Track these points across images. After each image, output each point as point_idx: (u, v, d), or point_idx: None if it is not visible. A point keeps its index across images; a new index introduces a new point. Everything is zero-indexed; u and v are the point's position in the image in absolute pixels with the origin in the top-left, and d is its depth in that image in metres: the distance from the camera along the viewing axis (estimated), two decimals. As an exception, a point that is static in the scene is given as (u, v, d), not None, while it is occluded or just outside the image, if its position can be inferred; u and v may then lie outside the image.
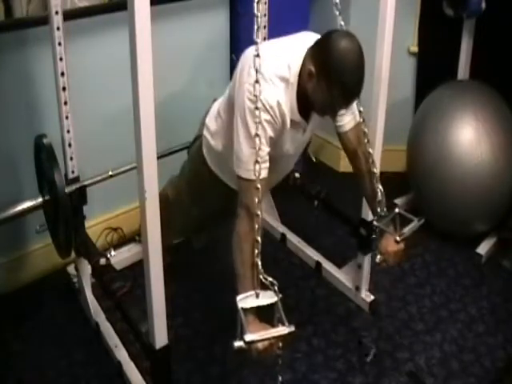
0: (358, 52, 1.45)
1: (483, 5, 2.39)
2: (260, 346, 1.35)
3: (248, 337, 1.30)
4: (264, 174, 1.46)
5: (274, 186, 1.95)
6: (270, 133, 1.52)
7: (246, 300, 1.38)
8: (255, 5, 1.34)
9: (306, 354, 2.05)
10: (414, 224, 1.73)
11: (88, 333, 2.09)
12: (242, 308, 1.35)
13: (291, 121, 1.57)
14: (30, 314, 2.18)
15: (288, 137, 1.61)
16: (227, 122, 1.69)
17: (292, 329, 1.32)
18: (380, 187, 1.75)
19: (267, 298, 1.37)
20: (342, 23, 1.63)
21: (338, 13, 1.62)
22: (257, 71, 1.36)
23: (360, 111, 1.71)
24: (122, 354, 1.95)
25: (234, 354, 1.32)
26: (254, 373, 1.96)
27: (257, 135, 1.39)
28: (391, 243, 1.71)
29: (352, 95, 1.51)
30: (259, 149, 1.40)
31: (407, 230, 1.70)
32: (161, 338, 1.52)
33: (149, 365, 1.64)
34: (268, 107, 1.48)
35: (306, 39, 1.59)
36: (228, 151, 1.64)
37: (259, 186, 1.40)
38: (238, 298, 1.38)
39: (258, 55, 1.35)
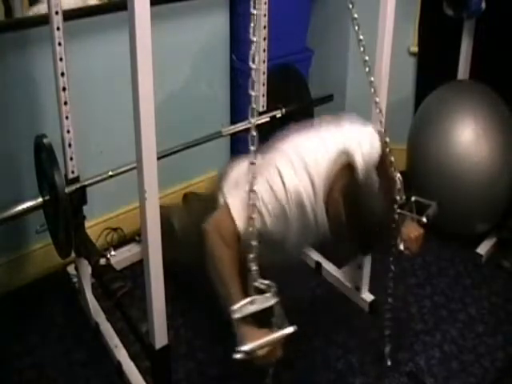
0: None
1: (483, 5, 2.39)
2: (261, 352, 1.33)
3: (244, 347, 1.29)
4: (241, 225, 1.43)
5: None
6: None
7: (241, 309, 1.35)
8: (252, 2, 1.32)
9: (306, 354, 2.05)
10: (434, 207, 1.74)
11: (88, 333, 2.09)
12: (237, 318, 1.33)
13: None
14: (30, 313, 2.18)
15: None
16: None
17: (291, 330, 1.32)
18: (398, 175, 1.75)
19: (264, 302, 1.36)
20: (356, 15, 1.60)
21: (351, 6, 1.59)
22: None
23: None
24: (122, 354, 1.95)
25: (237, 362, 1.30)
26: (253, 373, 1.95)
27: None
28: (413, 229, 1.73)
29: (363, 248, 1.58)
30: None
31: (430, 211, 1.72)
32: (161, 338, 1.52)
33: (149, 365, 1.64)
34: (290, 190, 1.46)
35: (342, 143, 1.56)
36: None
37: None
38: (233, 308, 1.35)
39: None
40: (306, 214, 1.52)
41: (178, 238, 2.03)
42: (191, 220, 2.01)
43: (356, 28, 1.61)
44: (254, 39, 1.31)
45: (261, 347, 1.31)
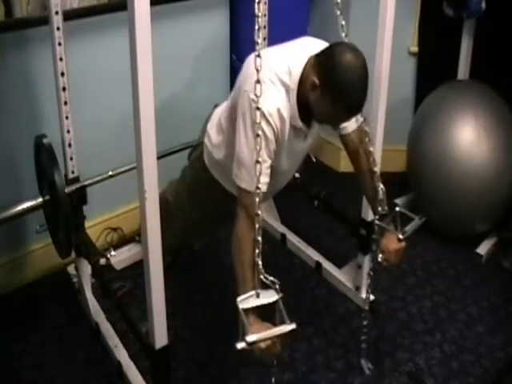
0: (363, 68, 1.44)
1: (483, 5, 2.39)
2: (263, 345, 1.34)
3: (250, 337, 1.31)
4: (264, 188, 1.45)
5: (274, 193, 1.94)
6: (272, 144, 1.51)
7: (247, 300, 1.38)
8: (256, 5, 1.34)
9: (305, 354, 2.05)
10: (416, 222, 1.74)
11: (88, 333, 2.09)
12: (243, 309, 1.35)
13: (292, 127, 1.56)
14: (30, 314, 2.18)
15: (289, 144, 1.60)
16: (229, 130, 1.68)
17: (293, 326, 1.33)
18: (381, 186, 1.75)
19: (268, 297, 1.37)
20: (343, 23, 1.63)
21: (339, 12, 1.62)
22: (257, 71, 1.36)
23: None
24: (122, 354, 1.95)
25: (236, 354, 1.32)
26: (253, 373, 1.96)
27: (257, 135, 1.39)
28: (392, 242, 1.72)
29: (355, 111, 1.52)
30: (260, 149, 1.40)
31: (409, 228, 1.71)
32: (161, 338, 1.52)
33: (149, 365, 1.64)
34: (267, 115, 1.47)
35: (308, 45, 1.59)
36: (230, 160, 1.63)
37: (260, 185, 1.40)
38: (239, 299, 1.38)
39: (259, 55, 1.35)
40: (284, 124, 1.53)
41: (172, 209, 2.03)
42: (185, 184, 2.04)
43: (343, 35, 1.62)
44: (259, 41, 1.32)
45: (262, 340, 1.33)
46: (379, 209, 1.76)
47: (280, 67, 1.52)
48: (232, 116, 1.62)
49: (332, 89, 1.44)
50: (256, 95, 1.37)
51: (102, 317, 2.09)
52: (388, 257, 1.74)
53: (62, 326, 2.14)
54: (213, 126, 1.81)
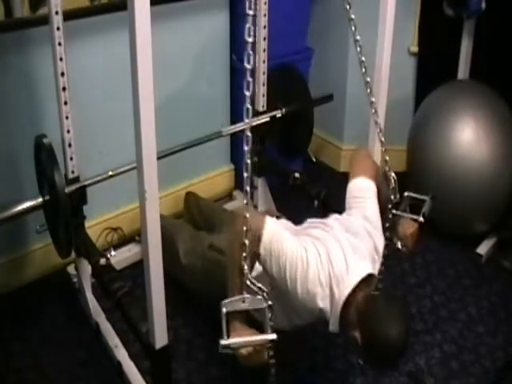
0: (405, 340, 1.50)
1: (483, 5, 2.39)
2: (244, 351, 1.35)
3: (224, 341, 1.33)
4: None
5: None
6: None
7: (233, 304, 1.38)
8: (247, 4, 1.33)
9: (305, 354, 2.05)
10: (428, 202, 1.76)
11: (88, 333, 2.09)
12: (227, 312, 1.36)
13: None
14: (30, 313, 2.18)
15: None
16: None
17: (273, 337, 1.33)
18: (393, 174, 1.76)
19: (255, 304, 1.37)
20: (353, 16, 1.62)
21: (348, 7, 1.61)
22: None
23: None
24: (122, 354, 1.95)
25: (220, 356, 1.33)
26: (254, 373, 1.95)
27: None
28: (409, 227, 1.73)
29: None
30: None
31: (425, 208, 1.73)
32: (161, 338, 1.52)
33: (149, 365, 1.64)
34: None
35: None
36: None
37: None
38: (224, 301, 1.38)
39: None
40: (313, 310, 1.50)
41: (181, 265, 2.05)
42: (196, 251, 2.03)
43: (353, 28, 1.62)
44: (250, 40, 1.32)
45: (242, 346, 1.34)
46: (391, 197, 1.76)
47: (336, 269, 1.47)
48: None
49: (370, 352, 1.48)
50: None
51: (102, 317, 2.09)
52: (407, 242, 1.75)
53: (62, 326, 2.14)
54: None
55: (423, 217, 1.72)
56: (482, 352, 2.09)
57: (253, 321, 1.46)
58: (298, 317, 1.60)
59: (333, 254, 1.47)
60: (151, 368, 1.62)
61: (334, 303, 1.45)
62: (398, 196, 1.76)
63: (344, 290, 1.44)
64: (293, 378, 1.95)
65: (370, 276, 1.48)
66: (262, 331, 1.38)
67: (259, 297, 1.37)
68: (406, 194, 1.77)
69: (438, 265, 2.51)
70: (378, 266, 1.60)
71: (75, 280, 2.22)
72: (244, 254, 1.38)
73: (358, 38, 1.62)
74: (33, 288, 2.28)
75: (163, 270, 1.43)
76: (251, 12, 1.32)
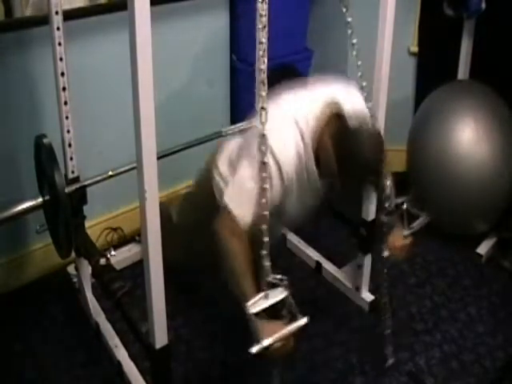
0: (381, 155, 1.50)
1: (483, 5, 2.39)
2: (277, 345, 1.35)
3: (266, 341, 1.31)
4: (247, 219, 1.46)
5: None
6: (277, 182, 1.50)
7: (257, 304, 1.37)
8: (259, 5, 1.34)
9: (306, 354, 2.05)
10: (422, 219, 1.76)
11: (88, 333, 2.10)
12: (254, 313, 1.35)
13: (304, 170, 1.55)
14: (30, 313, 2.18)
15: (298, 187, 1.59)
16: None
17: (305, 321, 1.34)
18: (388, 182, 1.76)
19: (276, 295, 1.38)
20: (350, 19, 1.62)
21: (344, 9, 1.62)
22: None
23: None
24: (122, 354, 1.95)
25: (253, 358, 1.32)
26: (253, 373, 1.96)
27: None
28: (399, 238, 1.73)
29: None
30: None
31: (416, 224, 1.73)
32: (161, 338, 1.52)
33: (149, 365, 1.64)
34: (277, 152, 1.47)
35: (329, 95, 1.59)
36: None
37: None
38: (248, 303, 1.37)
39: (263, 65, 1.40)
40: (300, 174, 1.54)
41: (175, 227, 2.03)
42: (189, 207, 2.02)
43: (349, 32, 1.62)
44: (264, 40, 1.33)
45: (278, 341, 1.33)
46: (386, 205, 1.77)
47: (300, 113, 1.53)
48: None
49: (344, 168, 1.47)
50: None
51: (102, 317, 2.09)
52: (394, 253, 1.75)
53: (62, 326, 2.14)
54: (224, 163, 1.78)
55: (411, 231, 1.72)
56: (482, 352, 2.09)
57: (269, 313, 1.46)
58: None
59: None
60: (151, 368, 1.62)
61: (306, 145, 1.52)
62: (393, 205, 1.76)
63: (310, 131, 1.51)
64: (293, 378, 1.95)
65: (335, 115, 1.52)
66: (280, 319, 1.37)
67: (278, 288, 1.37)
68: (404, 206, 1.77)
69: (438, 265, 2.51)
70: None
71: (75, 280, 2.22)
72: (264, 252, 1.38)
73: (354, 41, 1.63)
74: (33, 288, 2.28)
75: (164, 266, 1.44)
76: (264, 12, 1.33)
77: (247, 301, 1.39)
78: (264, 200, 1.40)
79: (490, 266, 2.51)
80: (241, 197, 1.48)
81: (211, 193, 1.81)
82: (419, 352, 2.08)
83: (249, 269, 1.43)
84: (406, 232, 1.72)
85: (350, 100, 1.61)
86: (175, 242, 1.91)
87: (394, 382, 1.97)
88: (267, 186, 1.41)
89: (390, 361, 1.99)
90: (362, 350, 2.07)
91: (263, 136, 1.37)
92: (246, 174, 1.49)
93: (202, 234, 1.92)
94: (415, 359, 2.05)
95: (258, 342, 1.31)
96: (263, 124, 1.36)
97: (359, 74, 1.67)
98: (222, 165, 1.79)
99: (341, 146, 1.46)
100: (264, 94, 1.40)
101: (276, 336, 1.33)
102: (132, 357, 1.92)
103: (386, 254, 1.77)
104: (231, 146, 1.82)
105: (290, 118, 1.52)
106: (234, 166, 1.70)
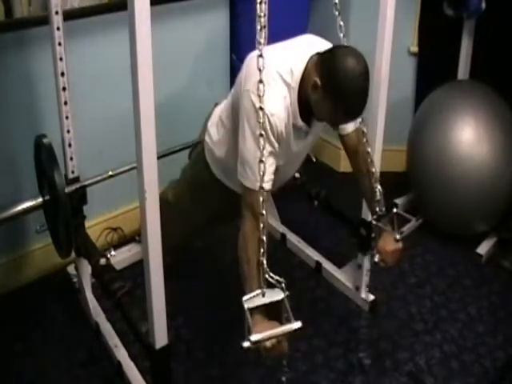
0: (365, 75, 1.45)
1: (483, 5, 2.39)
2: (268, 344, 1.35)
3: (254, 336, 1.31)
4: (267, 186, 1.46)
5: (277, 188, 1.93)
6: (274, 143, 1.52)
7: (253, 299, 1.38)
8: (258, 5, 1.35)
9: (305, 354, 2.05)
10: (413, 223, 1.75)
11: (88, 333, 2.09)
12: (249, 308, 1.35)
13: (293, 125, 1.56)
14: (30, 313, 2.18)
15: (290, 141, 1.61)
16: (230, 128, 1.69)
17: (299, 325, 1.33)
18: (379, 187, 1.76)
19: (273, 296, 1.38)
20: (342, 23, 1.63)
21: (337, 13, 1.63)
22: (260, 70, 1.36)
23: None
24: (122, 354, 1.95)
25: (242, 352, 1.32)
26: (254, 373, 1.96)
27: (261, 135, 1.39)
28: (389, 243, 1.72)
29: (354, 116, 1.54)
30: (263, 148, 1.40)
31: (406, 228, 1.72)
32: (161, 338, 1.52)
33: (149, 365, 1.64)
34: (269, 115, 1.47)
35: (309, 44, 1.60)
36: (232, 158, 1.63)
37: (264, 185, 1.41)
38: (245, 298, 1.38)
39: (261, 55, 1.35)
40: (288, 126, 1.55)
41: (173, 209, 2.02)
42: (184, 180, 2.05)
43: (341, 35, 1.63)
44: (262, 41, 1.33)
45: (268, 339, 1.33)
46: (376, 209, 1.77)
47: (282, 66, 1.53)
48: (233, 114, 1.62)
49: (333, 93, 1.45)
50: (259, 95, 1.38)
51: (102, 317, 2.09)
52: (385, 257, 1.75)
53: (62, 326, 2.14)
54: (213, 124, 1.81)
55: (401, 235, 1.71)
56: (482, 352, 2.09)
57: (269, 312, 1.46)
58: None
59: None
60: (151, 368, 1.62)
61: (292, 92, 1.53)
62: (383, 209, 1.76)
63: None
64: (293, 378, 1.95)
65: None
66: (280, 321, 1.38)
67: (276, 289, 1.37)
68: (394, 210, 1.77)
69: (438, 265, 2.51)
70: None
71: (75, 280, 2.22)
72: (262, 250, 1.39)
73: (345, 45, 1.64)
74: (33, 288, 2.28)
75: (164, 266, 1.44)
76: (262, 13, 1.33)
77: (247, 292, 1.40)
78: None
79: (490, 265, 2.51)
80: (252, 170, 1.48)
81: (204, 160, 1.84)
82: (419, 352, 2.08)
83: (258, 263, 1.43)
84: (397, 236, 1.71)
85: (324, 41, 1.64)
86: (175, 223, 1.92)
87: (394, 382, 1.97)
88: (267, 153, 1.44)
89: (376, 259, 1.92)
90: (362, 350, 2.07)
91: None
92: (246, 142, 1.50)
93: (202, 202, 1.95)
94: (415, 359, 2.05)
95: (247, 336, 1.31)
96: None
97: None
98: (212, 127, 1.82)
99: (328, 73, 1.46)
100: (261, 94, 1.39)
101: (266, 334, 1.32)
102: (132, 357, 1.92)
103: (376, 258, 1.77)
104: (218, 109, 1.85)
105: (275, 74, 1.52)
106: (224, 127, 1.74)
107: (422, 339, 2.14)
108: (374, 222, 1.79)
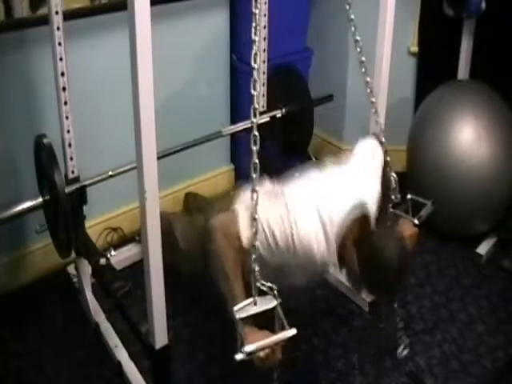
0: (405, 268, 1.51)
1: (483, 5, 2.39)
2: (262, 354, 1.33)
3: (248, 348, 1.28)
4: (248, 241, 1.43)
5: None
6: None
7: (244, 309, 1.35)
8: (254, 5, 1.33)
9: (306, 354, 2.05)
10: (428, 207, 1.76)
11: (88, 333, 2.09)
12: (240, 318, 1.33)
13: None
14: (30, 313, 2.18)
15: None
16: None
17: (293, 332, 1.31)
18: (394, 175, 1.76)
19: (265, 304, 1.35)
20: (353, 17, 1.63)
21: (348, 6, 1.62)
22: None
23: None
24: (122, 354, 1.95)
25: (236, 364, 1.30)
26: (253, 373, 1.95)
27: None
28: (407, 228, 1.73)
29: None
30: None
31: (423, 212, 1.74)
32: (161, 338, 1.52)
33: (149, 365, 1.64)
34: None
35: (358, 196, 1.57)
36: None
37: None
38: (236, 308, 1.35)
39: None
40: (312, 258, 1.51)
41: (180, 250, 2.02)
42: (194, 232, 2.01)
43: (353, 29, 1.63)
44: (256, 38, 1.31)
45: (262, 349, 1.31)
46: (392, 197, 1.77)
47: (325, 205, 1.51)
48: None
49: (365, 275, 1.49)
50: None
51: (102, 317, 2.09)
52: (409, 241, 1.76)
53: (62, 326, 2.14)
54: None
55: (419, 220, 1.72)
56: (482, 352, 2.09)
57: (260, 322, 1.45)
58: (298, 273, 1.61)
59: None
60: (151, 368, 1.62)
61: (329, 244, 1.49)
62: (398, 196, 1.77)
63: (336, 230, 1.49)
64: (293, 378, 1.95)
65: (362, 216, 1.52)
66: (271, 330, 1.36)
67: (268, 296, 1.35)
68: (408, 196, 1.78)
69: (438, 265, 2.51)
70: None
71: (75, 280, 2.22)
72: (254, 256, 1.35)
73: (358, 38, 1.63)
74: (33, 288, 2.28)
75: (164, 266, 1.43)
76: (256, 11, 1.31)
77: (234, 304, 1.37)
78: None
79: (490, 265, 2.51)
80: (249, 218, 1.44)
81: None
82: (419, 352, 2.08)
83: (239, 273, 1.43)
84: (416, 221, 1.73)
85: (374, 196, 1.63)
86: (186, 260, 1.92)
87: (394, 382, 1.97)
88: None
89: (405, 351, 1.98)
90: (361, 350, 2.07)
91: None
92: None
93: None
94: (415, 359, 2.05)
95: (241, 347, 1.29)
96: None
97: (363, 70, 1.68)
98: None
99: (365, 255, 1.46)
100: (256, 93, 1.36)
101: (260, 344, 1.30)
102: (132, 357, 1.92)
103: None
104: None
105: (313, 206, 1.50)
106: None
107: (422, 339, 2.14)
108: (392, 210, 1.80)
